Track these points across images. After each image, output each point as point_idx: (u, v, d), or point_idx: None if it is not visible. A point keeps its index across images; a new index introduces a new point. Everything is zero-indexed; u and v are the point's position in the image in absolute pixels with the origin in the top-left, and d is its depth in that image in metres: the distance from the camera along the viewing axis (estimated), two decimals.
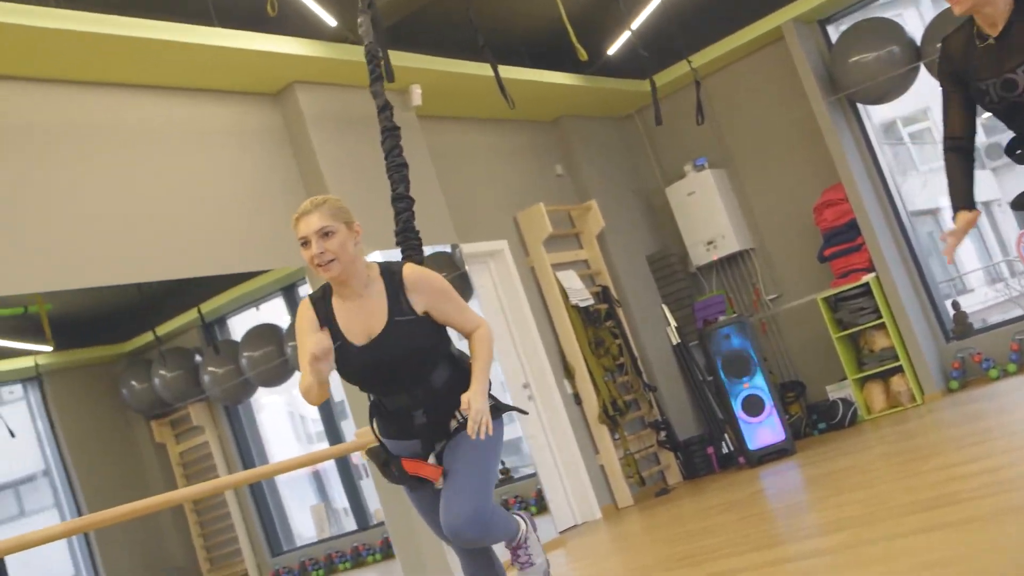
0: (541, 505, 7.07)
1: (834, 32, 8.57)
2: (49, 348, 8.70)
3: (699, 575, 4.22)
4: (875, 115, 8.87)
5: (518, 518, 3.21)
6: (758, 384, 7.70)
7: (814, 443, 7.80)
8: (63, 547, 8.67)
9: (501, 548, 3.26)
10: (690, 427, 8.56)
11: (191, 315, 8.35)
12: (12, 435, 8.47)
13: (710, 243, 8.78)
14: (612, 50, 8.07)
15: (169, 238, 5.50)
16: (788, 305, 8.73)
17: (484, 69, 7.10)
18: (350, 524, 8.84)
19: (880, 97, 8.13)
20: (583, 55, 5.63)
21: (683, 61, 8.14)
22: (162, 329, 8.87)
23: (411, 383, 2.88)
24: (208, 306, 8.44)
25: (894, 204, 8.32)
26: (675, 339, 8.69)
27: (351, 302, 2.91)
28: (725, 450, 8.11)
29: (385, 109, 3.51)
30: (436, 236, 6.94)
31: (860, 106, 8.38)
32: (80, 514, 8.72)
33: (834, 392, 8.32)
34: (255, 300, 8.27)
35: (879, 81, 7.87)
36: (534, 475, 7.12)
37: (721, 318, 8.02)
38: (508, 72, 7.52)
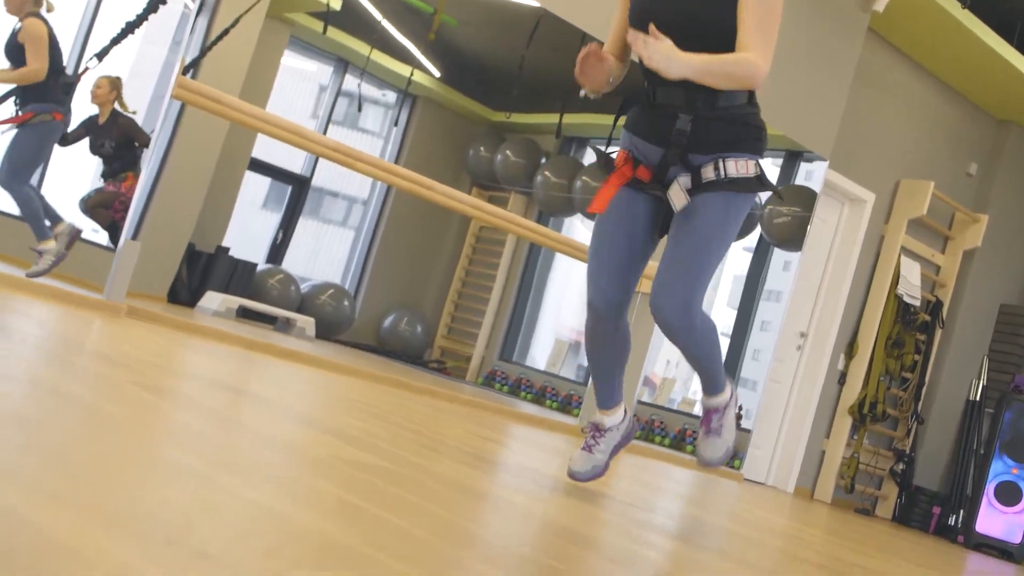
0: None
1: None
2: (437, 73, 9.20)
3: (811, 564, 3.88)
4: None
5: (727, 380, 2.75)
6: None
7: None
8: (342, 259, 9.35)
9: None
10: (931, 479, 7.82)
11: (570, 118, 8.48)
12: (360, 108, 9.10)
13: None
14: None
15: None
16: None
17: (966, 18, 6.55)
18: (575, 374, 8.92)
19: None
20: None
21: None
22: (531, 119, 9.15)
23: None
24: (576, 119, 8.55)
25: None
26: (975, 395, 7.87)
27: None
28: (951, 522, 7.36)
29: None
30: (811, 141, 6.58)
31: None
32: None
33: None
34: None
35: None
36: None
37: None
38: (987, 36, 6.85)
